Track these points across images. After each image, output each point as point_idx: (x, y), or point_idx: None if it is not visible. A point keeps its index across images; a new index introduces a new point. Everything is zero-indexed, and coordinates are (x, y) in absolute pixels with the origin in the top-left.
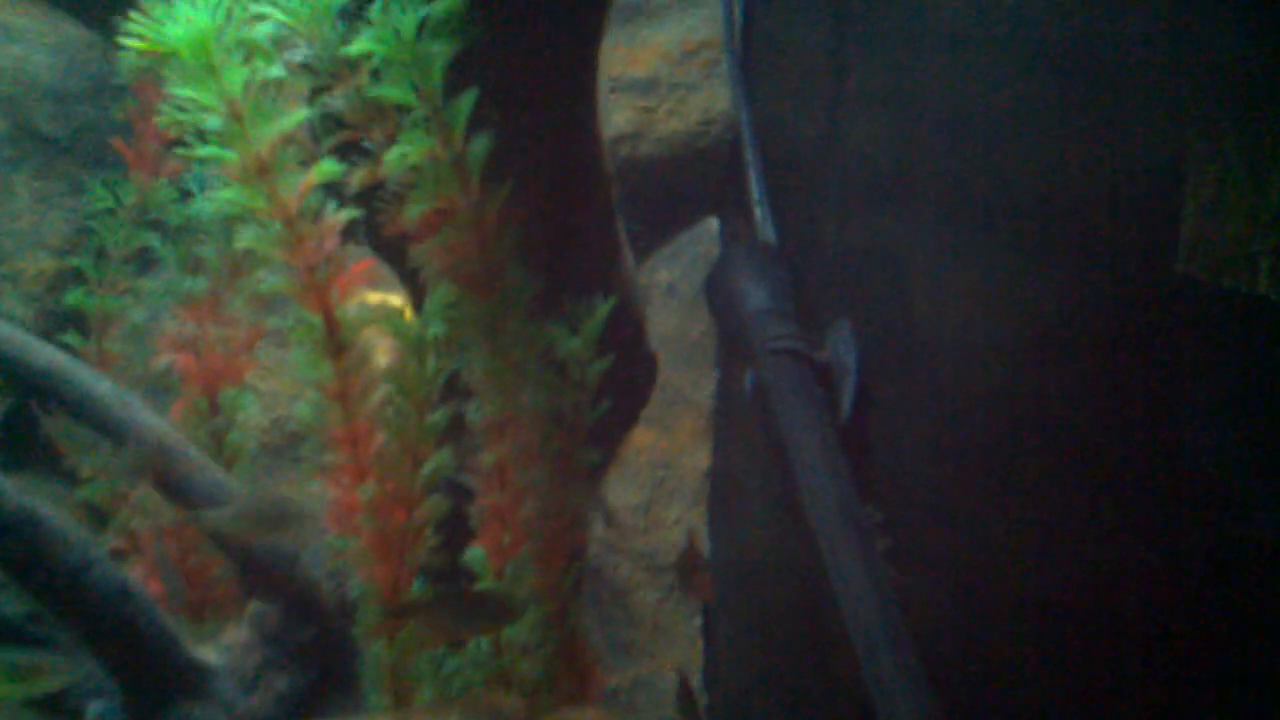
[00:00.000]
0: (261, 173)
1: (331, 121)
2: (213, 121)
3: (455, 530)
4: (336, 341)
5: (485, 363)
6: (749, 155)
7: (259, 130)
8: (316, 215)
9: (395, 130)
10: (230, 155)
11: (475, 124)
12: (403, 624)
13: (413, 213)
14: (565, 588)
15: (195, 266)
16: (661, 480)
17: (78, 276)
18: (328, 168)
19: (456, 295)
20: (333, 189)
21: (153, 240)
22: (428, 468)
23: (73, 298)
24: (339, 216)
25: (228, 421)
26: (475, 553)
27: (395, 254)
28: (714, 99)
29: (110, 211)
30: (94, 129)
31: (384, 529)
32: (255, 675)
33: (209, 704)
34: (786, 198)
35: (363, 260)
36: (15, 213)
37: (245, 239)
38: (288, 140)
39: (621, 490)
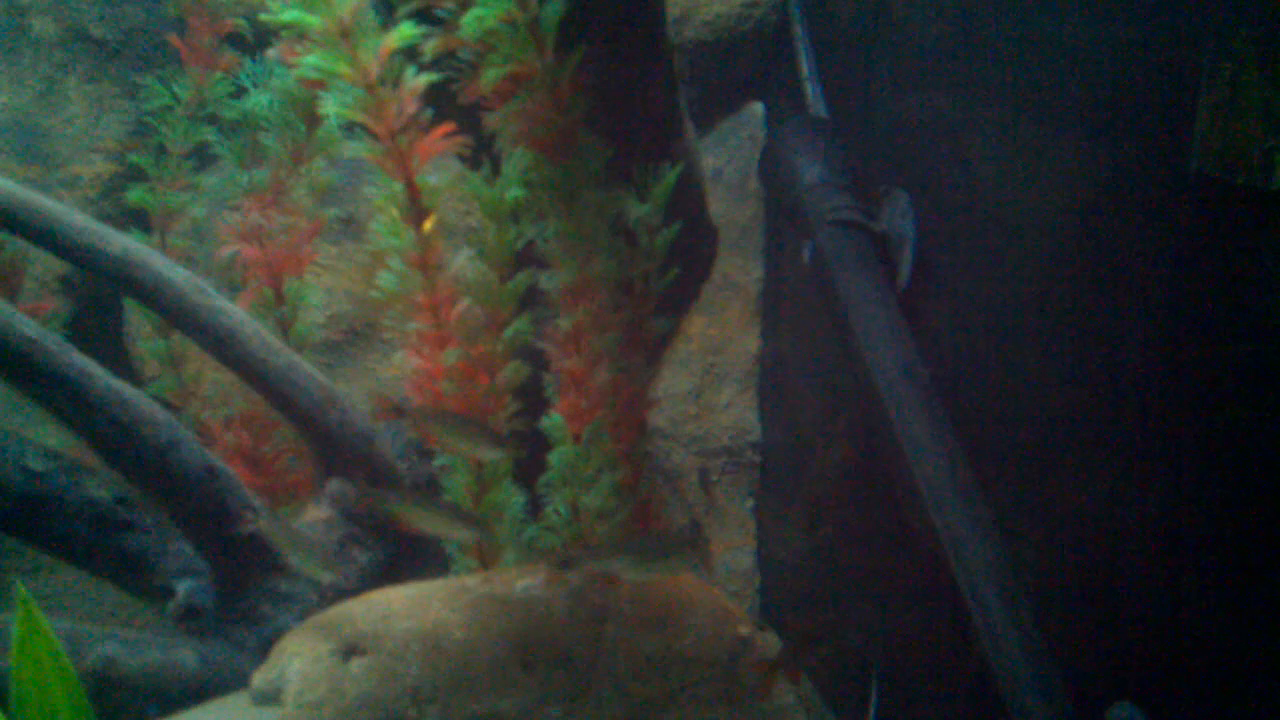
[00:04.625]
0: (343, 36)
1: None
2: None
3: (533, 397)
4: (418, 208)
5: (560, 228)
6: (798, 31)
7: None
8: (396, 80)
9: None
10: (312, 20)
11: None
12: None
13: (489, 78)
14: (638, 454)
15: (253, 160)
16: (711, 366)
17: (134, 177)
18: (406, 31)
19: (532, 160)
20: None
21: (210, 135)
22: (508, 333)
23: (135, 195)
24: (419, 81)
25: (293, 311)
26: (553, 418)
27: (469, 122)
28: None
29: (168, 108)
30: (144, 30)
31: (467, 395)
32: (337, 550)
33: (294, 578)
34: (837, 74)
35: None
36: (69, 117)
37: (328, 106)
38: (367, 6)
39: (672, 377)
